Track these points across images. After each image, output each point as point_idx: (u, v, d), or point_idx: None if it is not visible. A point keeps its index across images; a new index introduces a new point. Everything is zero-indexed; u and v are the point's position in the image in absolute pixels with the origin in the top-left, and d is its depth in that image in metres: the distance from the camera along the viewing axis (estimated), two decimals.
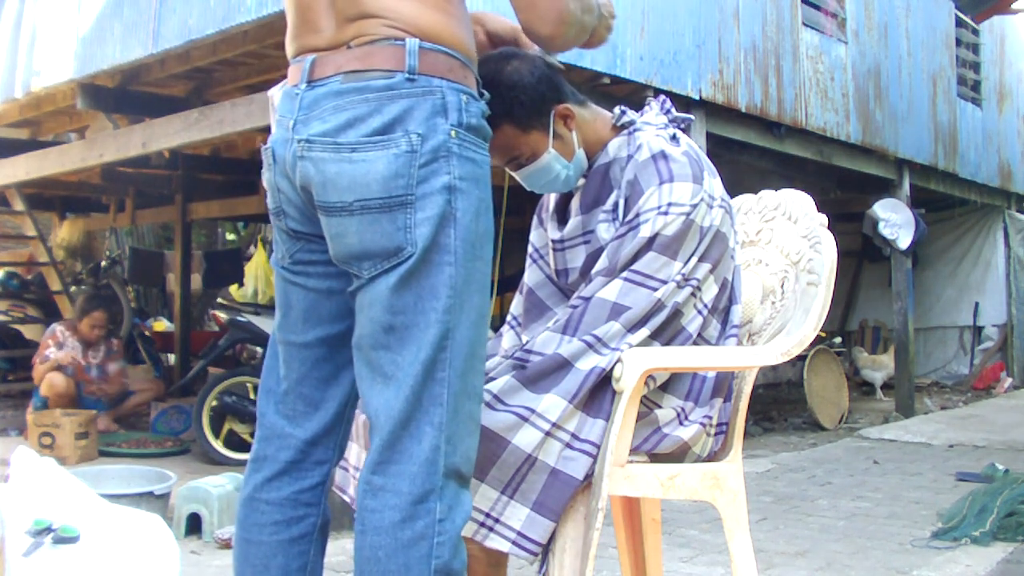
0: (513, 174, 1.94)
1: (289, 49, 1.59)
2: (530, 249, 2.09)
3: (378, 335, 1.47)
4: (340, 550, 3.26)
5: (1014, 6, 9.55)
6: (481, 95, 1.55)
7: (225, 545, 3.48)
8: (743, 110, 5.96)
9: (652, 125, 1.92)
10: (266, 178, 1.61)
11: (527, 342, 1.86)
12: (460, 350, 1.47)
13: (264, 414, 1.67)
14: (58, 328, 6.22)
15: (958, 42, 9.09)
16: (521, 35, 1.82)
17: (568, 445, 1.71)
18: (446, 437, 1.45)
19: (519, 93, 1.81)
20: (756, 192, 2.20)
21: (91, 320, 6.15)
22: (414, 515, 1.43)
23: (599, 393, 1.74)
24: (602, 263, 1.82)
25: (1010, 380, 9.69)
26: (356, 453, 1.89)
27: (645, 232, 1.77)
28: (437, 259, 1.45)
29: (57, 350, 6.06)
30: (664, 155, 1.82)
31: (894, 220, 7.73)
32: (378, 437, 1.47)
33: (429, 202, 1.44)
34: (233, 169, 7.84)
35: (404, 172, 1.43)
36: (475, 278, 1.49)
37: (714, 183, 1.86)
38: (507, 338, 2.06)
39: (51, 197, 9.38)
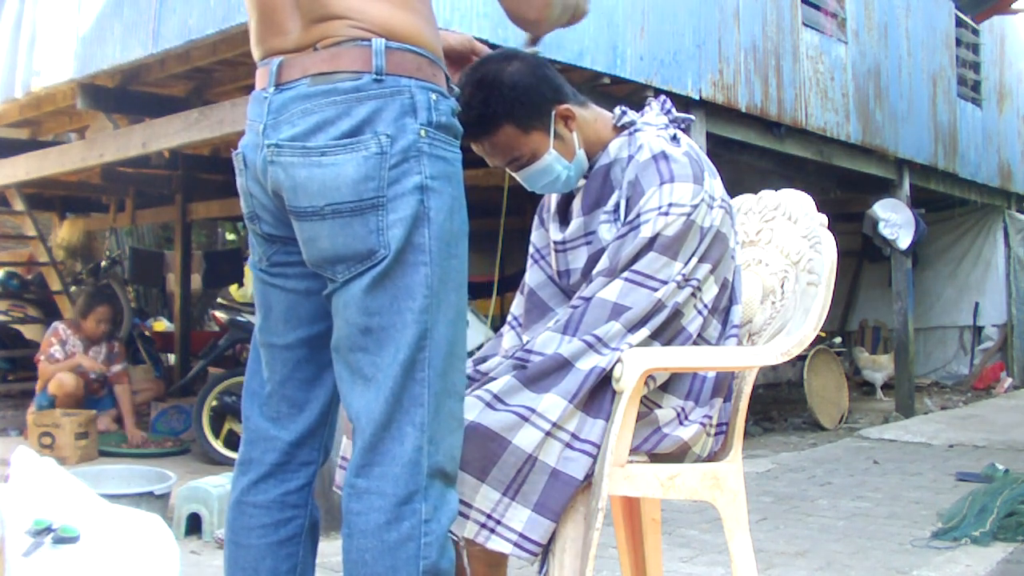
0: (514, 174, 1.94)
1: (255, 52, 1.57)
2: (531, 250, 2.10)
3: (355, 337, 1.46)
4: (337, 550, 3.25)
5: (1014, 6, 9.55)
6: (451, 91, 1.54)
7: None
8: (743, 110, 5.96)
9: (652, 125, 1.92)
10: (239, 183, 1.61)
11: (527, 342, 1.86)
12: (439, 349, 1.46)
13: (249, 417, 1.67)
14: (60, 326, 6.23)
15: (958, 42, 9.09)
16: (474, 44, 1.84)
17: (568, 445, 1.71)
18: (428, 437, 1.45)
19: (520, 94, 1.81)
20: (756, 192, 2.20)
21: (96, 316, 6.18)
22: (399, 516, 1.42)
23: (599, 393, 1.74)
24: (603, 263, 1.82)
25: (1010, 380, 9.69)
26: None
27: (646, 232, 1.77)
28: (412, 259, 1.44)
29: (61, 348, 6.08)
30: (665, 155, 1.82)
31: (894, 220, 7.73)
32: (360, 440, 1.46)
33: (401, 203, 1.43)
34: (233, 169, 7.82)
35: (374, 174, 1.42)
36: (451, 276, 1.48)
37: (715, 184, 1.86)
38: (508, 338, 2.06)
39: (51, 197, 9.37)
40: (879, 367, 9.03)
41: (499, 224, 6.12)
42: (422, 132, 1.44)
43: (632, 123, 1.93)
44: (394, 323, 1.44)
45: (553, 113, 1.86)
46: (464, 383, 1.56)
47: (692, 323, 1.82)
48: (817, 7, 6.77)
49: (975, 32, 9.44)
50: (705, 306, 1.84)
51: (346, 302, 1.46)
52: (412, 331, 1.44)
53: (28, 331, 8.75)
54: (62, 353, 6.06)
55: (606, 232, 1.87)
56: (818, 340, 8.09)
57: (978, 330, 10.13)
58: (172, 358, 8.84)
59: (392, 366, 1.44)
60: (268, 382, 1.65)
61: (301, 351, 1.63)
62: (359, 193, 1.42)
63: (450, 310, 1.48)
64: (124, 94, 5.39)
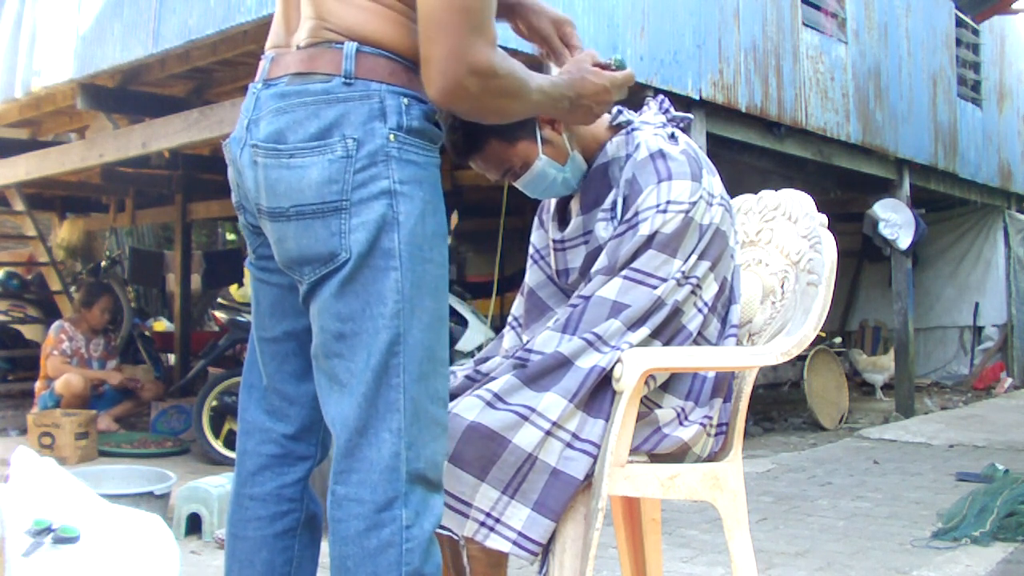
0: (515, 185, 1.94)
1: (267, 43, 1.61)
2: (531, 250, 2.10)
3: (330, 343, 1.47)
4: None
5: (1014, 6, 9.55)
6: None
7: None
8: (743, 110, 5.96)
9: (650, 124, 1.92)
10: (229, 174, 1.63)
11: (527, 341, 1.86)
12: (414, 354, 1.45)
13: (245, 409, 1.68)
14: (64, 324, 6.32)
15: (958, 42, 9.09)
16: (565, 27, 1.78)
17: (568, 445, 1.71)
18: (407, 443, 1.44)
19: None
20: (756, 192, 2.19)
21: (101, 305, 6.32)
22: (379, 523, 1.42)
23: (599, 393, 1.74)
24: (602, 262, 1.82)
25: (1010, 380, 9.69)
26: None
27: (644, 230, 1.77)
28: (381, 264, 1.44)
29: (69, 344, 6.15)
30: (662, 153, 1.82)
31: (894, 220, 7.73)
32: (337, 446, 1.47)
33: (366, 207, 1.43)
34: None
35: (338, 178, 1.42)
36: (426, 281, 1.47)
37: (713, 181, 1.86)
38: (508, 339, 2.06)
39: (51, 197, 9.38)
40: (879, 368, 9.02)
41: (499, 224, 6.12)
42: (391, 136, 1.44)
43: (629, 122, 1.93)
44: (366, 328, 1.44)
45: (536, 119, 1.86)
46: (447, 389, 1.54)
47: (692, 321, 1.82)
48: (817, 7, 6.77)
49: (975, 32, 9.44)
50: (705, 304, 1.84)
51: (319, 308, 1.47)
52: (384, 336, 1.44)
53: (28, 331, 8.76)
54: (71, 349, 6.13)
55: (603, 230, 1.87)
56: (818, 340, 8.09)
57: (978, 330, 10.13)
58: (172, 358, 8.85)
59: (365, 371, 1.44)
60: (264, 376, 1.67)
61: (289, 344, 1.64)
62: (322, 196, 1.43)
63: (425, 315, 1.47)
64: (124, 94, 5.40)
